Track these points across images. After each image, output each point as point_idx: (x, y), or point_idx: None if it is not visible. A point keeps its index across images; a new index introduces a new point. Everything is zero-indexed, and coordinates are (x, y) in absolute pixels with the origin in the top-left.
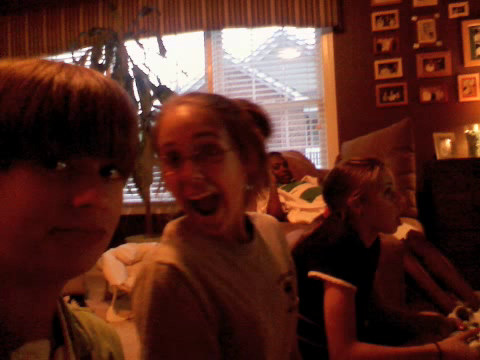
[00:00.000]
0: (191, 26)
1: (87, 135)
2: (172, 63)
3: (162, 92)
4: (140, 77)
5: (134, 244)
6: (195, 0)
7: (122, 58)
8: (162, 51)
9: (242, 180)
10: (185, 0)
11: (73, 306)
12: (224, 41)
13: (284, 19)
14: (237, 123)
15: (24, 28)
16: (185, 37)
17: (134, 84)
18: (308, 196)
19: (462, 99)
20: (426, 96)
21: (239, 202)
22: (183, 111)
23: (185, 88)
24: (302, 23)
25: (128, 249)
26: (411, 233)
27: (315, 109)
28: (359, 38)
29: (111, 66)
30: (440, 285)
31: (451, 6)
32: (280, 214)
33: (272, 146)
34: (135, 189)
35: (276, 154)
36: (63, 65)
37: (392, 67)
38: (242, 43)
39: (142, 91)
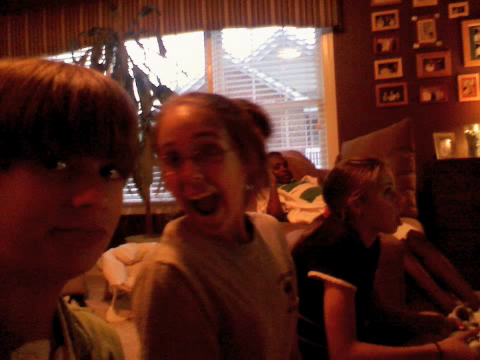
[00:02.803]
0: (191, 26)
1: (87, 135)
2: (172, 63)
3: (162, 92)
4: (140, 77)
5: (134, 244)
6: (195, 0)
7: (122, 58)
8: (162, 51)
9: (242, 180)
10: (185, 0)
11: (73, 306)
12: (224, 41)
13: (284, 19)
14: (237, 123)
15: (24, 28)
16: (185, 37)
17: (134, 84)
18: (308, 196)
19: (462, 99)
20: (426, 96)
21: (239, 202)
22: (183, 111)
23: (185, 88)
24: (302, 23)
25: (128, 249)
26: (411, 233)
27: (315, 109)
28: (359, 38)
29: (111, 66)
30: (440, 285)
31: (451, 6)
32: (280, 214)
33: (272, 146)
34: (135, 189)
35: (276, 154)
36: (63, 65)
37: (392, 67)
38: (242, 43)
39: (142, 91)
